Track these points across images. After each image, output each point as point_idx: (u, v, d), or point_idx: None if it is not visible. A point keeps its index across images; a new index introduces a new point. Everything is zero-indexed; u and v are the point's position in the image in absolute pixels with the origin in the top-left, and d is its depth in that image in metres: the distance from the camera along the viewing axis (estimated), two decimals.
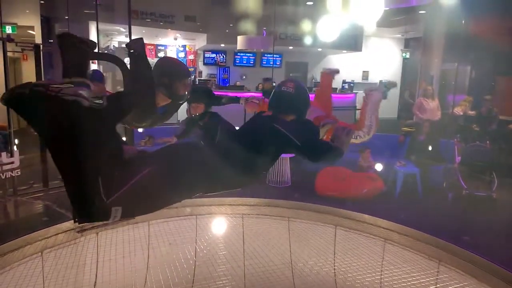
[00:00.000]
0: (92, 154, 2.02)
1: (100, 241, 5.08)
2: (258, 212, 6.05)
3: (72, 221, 5.02)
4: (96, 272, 4.93)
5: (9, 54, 6.44)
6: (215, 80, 16.56)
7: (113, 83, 13.75)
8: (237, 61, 17.15)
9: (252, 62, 17.30)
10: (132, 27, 6.54)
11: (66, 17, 9.51)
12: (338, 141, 2.65)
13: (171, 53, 16.53)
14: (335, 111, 4.00)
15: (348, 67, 17.96)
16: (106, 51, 13.01)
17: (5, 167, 5.82)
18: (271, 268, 5.49)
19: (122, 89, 2.99)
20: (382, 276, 5.07)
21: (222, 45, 15.61)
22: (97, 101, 2.03)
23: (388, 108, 17.79)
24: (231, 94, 12.60)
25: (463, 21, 9.24)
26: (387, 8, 11.47)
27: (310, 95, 2.93)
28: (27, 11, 11.04)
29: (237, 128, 2.87)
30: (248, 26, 13.09)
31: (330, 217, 5.84)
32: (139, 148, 2.44)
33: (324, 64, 18.25)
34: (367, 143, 7.55)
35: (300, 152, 2.55)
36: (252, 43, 13.01)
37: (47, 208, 5.93)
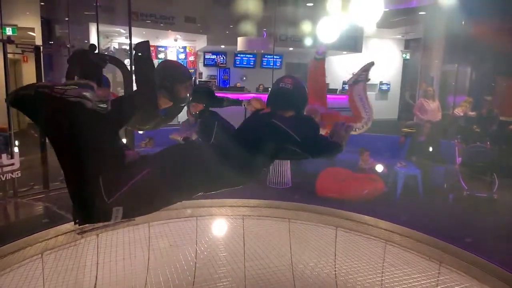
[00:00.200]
0: (93, 154, 2.03)
1: (100, 242, 5.07)
2: (259, 214, 6.04)
3: (73, 222, 4.97)
4: (96, 273, 4.93)
5: (9, 55, 6.44)
6: (215, 81, 16.56)
7: (113, 84, 13.76)
8: (237, 62, 17.15)
9: (252, 63, 17.30)
10: (132, 28, 6.55)
11: (67, 19, 9.51)
12: (337, 137, 2.63)
13: (171, 54, 16.54)
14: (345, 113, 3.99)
15: (348, 68, 17.96)
16: (106, 53, 13.01)
17: (6, 169, 5.82)
18: (272, 269, 5.48)
19: (123, 92, 3.01)
20: (383, 278, 5.06)
21: (222, 46, 15.61)
22: (101, 105, 2.04)
23: (389, 109, 17.85)
24: (231, 95, 12.63)
25: (463, 22, 9.25)
26: (387, 9, 11.48)
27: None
28: (28, 13, 11.04)
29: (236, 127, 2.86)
30: (248, 27, 13.10)
31: (331, 218, 5.83)
32: (141, 152, 2.44)
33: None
34: (366, 145, 7.60)
35: (300, 148, 2.53)
36: (252, 44, 13.02)
37: (47, 210, 5.92)
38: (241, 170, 2.52)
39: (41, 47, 7.22)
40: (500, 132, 9.08)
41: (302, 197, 6.65)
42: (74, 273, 4.72)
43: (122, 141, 2.43)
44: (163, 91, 2.79)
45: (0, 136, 6.68)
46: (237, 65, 17.20)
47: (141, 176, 2.16)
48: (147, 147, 8.02)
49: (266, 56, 16.94)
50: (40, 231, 4.91)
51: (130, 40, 6.64)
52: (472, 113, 9.63)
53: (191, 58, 16.92)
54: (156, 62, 15.89)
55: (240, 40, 12.90)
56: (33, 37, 10.97)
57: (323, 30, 7.90)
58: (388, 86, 18.90)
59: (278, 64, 17.11)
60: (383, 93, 18.94)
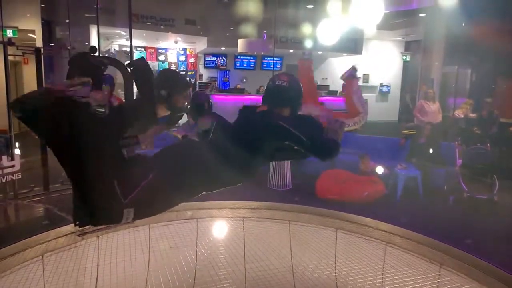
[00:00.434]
0: (107, 157, 2.03)
1: (101, 244, 5.07)
2: (259, 215, 6.04)
3: (73, 224, 4.99)
4: (97, 275, 4.93)
5: (10, 57, 6.45)
6: (215, 83, 16.57)
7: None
8: (238, 64, 17.17)
9: (252, 65, 17.32)
10: (133, 30, 6.56)
11: (67, 21, 9.53)
12: (334, 134, 2.66)
13: (172, 56, 16.56)
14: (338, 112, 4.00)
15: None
16: (107, 55, 13.02)
17: (6, 171, 5.83)
18: (272, 271, 5.47)
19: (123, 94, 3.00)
20: (383, 280, 5.05)
21: (223, 48, 15.64)
22: (99, 109, 2.03)
23: (389, 111, 17.86)
24: (231, 97, 12.62)
25: (463, 24, 9.25)
26: (387, 11, 11.48)
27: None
28: (28, 15, 11.05)
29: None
30: (248, 29, 13.11)
31: (331, 220, 5.82)
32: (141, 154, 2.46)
33: (324, 66, 18.27)
34: (366, 147, 7.61)
35: (309, 149, 2.54)
36: (252, 46, 13.04)
37: (47, 212, 5.92)
38: (241, 169, 2.55)
39: (42, 49, 7.25)
40: (500, 134, 9.09)
41: (302, 199, 6.65)
42: (74, 275, 4.72)
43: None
44: (161, 100, 2.81)
45: (1, 137, 6.69)
46: (237, 67, 17.22)
47: (149, 177, 2.17)
48: (147, 149, 8.02)
49: (266, 58, 16.95)
50: (41, 233, 4.91)
51: (131, 42, 6.66)
52: (472, 115, 9.64)
53: (192, 60, 16.93)
54: (156, 63, 15.89)
55: (240, 42, 12.91)
56: (34, 39, 10.98)
57: (323, 32, 7.92)
58: (388, 88, 18.91)
59: (278, 66, 17.13)
60: (383, 95, 18.95)
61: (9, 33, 9.53)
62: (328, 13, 7.82)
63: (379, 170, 7.38)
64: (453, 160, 7.56)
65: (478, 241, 5.18)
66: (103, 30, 8.69)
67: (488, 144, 7.66)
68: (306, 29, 13.44)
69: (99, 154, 2.02)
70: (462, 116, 9.60)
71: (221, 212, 6.08)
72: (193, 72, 16.76)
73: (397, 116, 18.17)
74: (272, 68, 15.53)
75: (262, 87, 15.13)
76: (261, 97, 2.85)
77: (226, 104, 12.25)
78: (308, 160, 2.97)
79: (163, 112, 2.89)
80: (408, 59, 17.92)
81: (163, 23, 13.71)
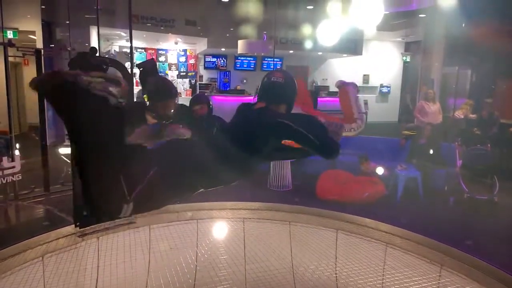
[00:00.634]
0: (115, 151, 2.02)
1: (101, 245, 5.07)
2: (259, 216, 6.04)
3: (73, 225, 5.01)
4: (97, 276, 4.93)
5: (10, 59, 6.45)
6: (215, 84, 16.57)
7: None
8: (238, 65, 17.17)
9: (252, 66, 17.32)
10: (133, 31, 6.56)
11: (67, 22, 9.54)
12: (333, 135, 2.69)
13: (172, 57, 16.57)
14: (336, 115, 3.99)
15: (348, 71, 17.99)
16: (107, 56, 13.03)
17: (6, 172, 5.83)
18: (272, 272, 5.47)
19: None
20: (384, 281, 5.05)
21: (223, 49, 15.64)
22: (121, 101, 2.02)
23: (389, 111, 17.87)
24: (232, 98, 12.62)
25: (463, 25, 9.26)
26: (387, 12, 11.48)
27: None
28: (28, 16, 11.06)
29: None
30: (248, 30, 13.12)
31: (331, 221, 5.83)
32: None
33: (325, 67, 18.28)
34: (367, 147, 7.61)
35: (316, 148, 2.52)
36: (252, 47, 13.04)
37: (48, 213, 5.93)
38: (239, 167, 2.57)
39: (42, 50, 7.25)
40: (500, 135, 9.09)
41: (302, 199, 6.65)
42: (74, 276, 4.72)
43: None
44: (149, 107, 2.81)
45: (1, 139, 6.69)
46: (237, 68, 17.22)
47: (149, 174, 2.18)
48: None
49: (266, 58, 16.95)
50: (41, 234, 4.91)
51: (131, 43, 6.66)
52: (472, 116, 9.64)
53: (192, 61, 16.94)
54: (156, 65, 15.91)
55: (240, 43, 12.92)
56: (34, 40, 10.99)
57: (323, 33, 7.93)
58: (389, 88, 18.91)
59: (278, 67, 17.12)
60: (384, 95, 18.95)
61: (10, 34, 9.54)
62: (328, 14, 7.82)
63: (379, 171, 7.39)
64: (453, 161, 7.56)
65: (478, 242, 5.18)
66: (103, 31, 8.70)
67: (489, 145, 7.66)
68: (306, 30, 13.47)
69: (111, 147, 2.02)
70: (462, 116, 9.60)
71: (221, 213, 6.08)
72: (193, 73, 16.77)
73: (397, 117, 18.17)
74: (272, 69, 15.53)
75: None
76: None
77: (226, 105, 12.25)
78: (308, 160, 2.99)
79: (151, 119, 2.87)
80: (408, 59, 17.92)
81: (163, 24, 13.71)
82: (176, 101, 2.96)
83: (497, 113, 9.30)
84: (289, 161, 7.30)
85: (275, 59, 16.40)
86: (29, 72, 10.29)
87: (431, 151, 8.01)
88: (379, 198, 6.86)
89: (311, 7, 14.01)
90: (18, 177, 6.01)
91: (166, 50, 16.55)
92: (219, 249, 5.74)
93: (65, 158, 7.12)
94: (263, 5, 12.81)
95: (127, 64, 8.21)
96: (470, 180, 7.29)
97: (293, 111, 2.84)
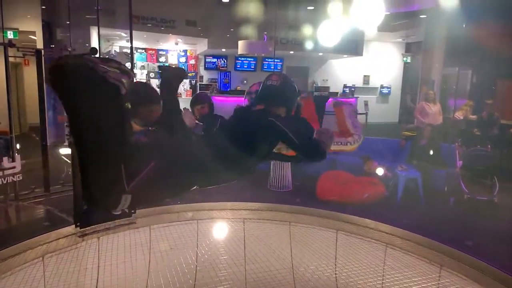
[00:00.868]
0: (119, 139, 2.03)
1: (101, 245, 5.08)
2: (259, 217, 6.04)
3: (74, 225, 5.02)
4: (97, 276, 4.93)
5: (10, 59, 6.45)
6: (216, 85, 16.58)
7: None
8: (238, 66, 17.17)
9: (253, 67, 17.33)
10: (133, 32, 6.56)
11: (68, 22, 9.53)
12: (322, 144, 2.71)
13: (172, 58, 16.58)
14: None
15: (349, 72, 18.01)
16: (107, 56, 13.03)
17: (7, 172, 5.83)
18: (272, 272, 5.48)
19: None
20: (384, 281, 5.06)
21: (223, 49, 15.65)
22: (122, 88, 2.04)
23: (389, 112, 17.88)
24: (232, 98, 12.63)
25: (464, 26, 9.26)
26: (388, 13, 11.49)
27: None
28: (29, 16, 11.06)
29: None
30: (249, 30, 13.12)
31: (332, 221, 5.83)
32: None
33: (325, 68, 18.28)
34: (367, 148, 7.61)
35: (295, 147, 2.60)
36: (253, 47, 13.05)
37: (48, 213, 5.93)
38: (237, 166, 2.58)
39: (42, 51, 7.24)
40: (500, 136, 9.09)
41: (302, 200, 6.65)
42: (75, 276, 4.72)
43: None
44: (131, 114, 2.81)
45: (1, 139, 6.70)
46: (237, 69, 17.23)
47: (149, 167, 2.19)
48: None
49: (266, 59, 16.95)
50: (41, 234, 4.92)
51: (131, 43, 6.66)
52: (472, 117, 9.64)
53: (192, 62, 16.95)
54: (157, 65, 15.91)
55: (240, 43, 12.93)
56: (34, 41, 10.99)
57: (324, 34, 7.94)
58: (389, 89, 18.92)
59: (279, 68, 17.13)
60: (384, 96, 18.96)
61: (10, 35, 9.55)
62: (329, 15, 7.83)
63: (379, 171, 7.39)
64: (453, 161, 7.56)
65: (478, 243, 5.18)
66: (103, 31, 8.71)
67: (489, 146, 7.66)
68: (307, 30, 13.48)
69: (117, 134, 2.02)
70: (462, 117, 9.61)
71: (221, 213, 6.08)
72: (194, 73, 16.78)
73: (398, 118, 18.18)
74: (272, 70, 15.56)
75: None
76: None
77: (227, 106, 12.22)
78: None
79: (136, 126, 2.87)
80: (408, 60, 17.94)
81: (163, 25, 13.72)
82: (159, 106, 2.95)
83: (497, 114, 9.30)
84: (285, 161, 7.30)
85: (275, 60, 16.42)
86: (30, 73, 10.30)
87: (431, 152, 8.01)
88: (379, 199, 6.86)
89: (311, 7, 14.02)
90: (18, 178, 6.01)
91: (166, 51, 16.57)
92: (219, 249, 5.74)
93: (65, 158, 7.12)
94: (264, 5, 12.80)
95: (128, 65, 8.20)
96: (470, 180, 7.29)
97: None
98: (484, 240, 5.38)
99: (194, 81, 16.66)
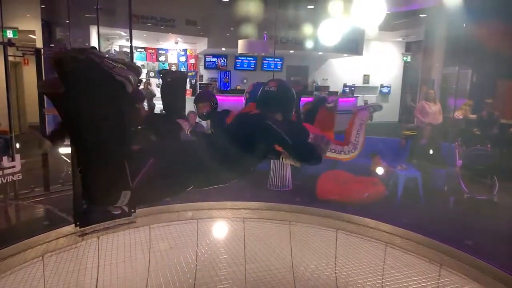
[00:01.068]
0: (123, 135, 2.03)
1: (101, 245, 5.08)
2: (259, 216, 6.05)
3: (73, 225, 5.02)
4: (97, 276, 4.93)
5: (10, 58, 6.44)
6: (216, 84, 16.58)
7: None
8: (238, 65, 17.16)
9: (253, 66, 17.31)
10: (133, 31, 6.55)
11: (67, 21, 9.53)
12: (318, 149, 2.72)
13: (172, 57, 16.57)
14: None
15: (349, 71, 18.00)
16: (107, 55, 13.02)
17: (7, 171, 5.83)
18: (272, 272, 5.48)
19: None
20: (384, 280, 5.06)
21: (223, 49, 15.63)
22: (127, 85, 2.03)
23: (389, 112, 17.85)
24: (232, 98, 12.62)
25: (464, 25, 9.25)
26: (388, 12, 11.48)
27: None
28: (28, 16, 11.06)
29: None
30: (249, 30, 13.11)
31: (332, 221, 5.83)
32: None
33: (325, 67, 18.27)
34: (367, 148, 7.59)
35: (289, 150, 2.64)
36: (252, 47, 13.03)
37: (48, 212, 5.92)
38: (235, 166, 2.63)
39: (42, 50, 7.24)
40: (500, 135, 9.09)
41: (302, 199, 6.65)
42: (75, 275, 4.72)
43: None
44: None
45: (1, 138, 6.69)
46: (237, 68, 17.21)
47: (150, 163, 2.20)
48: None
49: (266, 58, 16.94)
50: (41, 234, 4.92)
51: (131, 42, 6.65)
52: (472, 116, 9.63)
53: (192, 61, 16.94)
54: (156, 64, 15.84)
55: (240, 42, 12.91)
56: (34, 40, 10.99)
57: (324, 33, 7.94)
58: (389, 89, 18.91)
59: (279, 67, 17.12)
60: (384, 95, 18.94)
61: (9, 34, 9.55)
62: (329, 14, 7.83)
63: (379, 170, 7.39)
64: (453, 161, 7.56)
65: (478, 242, 5.18)
66: (103, 30, 8.71)
67: (489, 145, 7.66)
68: (307, 29, 13.47)
69: (121, 130, 2.02)
70: (462, 117, 9.60)
71: (221, 213, 6.08)
72: (194, 73, 16.76)
73: (398, 117, 18.17)
74: (272, 69, 15.53)
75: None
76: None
77: (227, 105, 12.18)
78: None
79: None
80: (408, 60, 17.92)
81: (163, 24, 13.71)
82: (143, 106, 2.95)
83: (497, 113, 9.30)
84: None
85: (275, 59, 16.39)
86: (29, 72, 10.30)
87: (431, 151, 8.00)
88: (379, 198, 6.86)
89: (311, 6, 14.01)
90: (18, 177, 6.01)
91: (166, 50, 16.56)
92: (219, 248, 5.74)
93: (65, 158, 7.11)
94: (264, 4, 12.79)
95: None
96: (470, 180, 7.28)
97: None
98: (484, 240, 5.38)
99: (194, 81, 16.64)
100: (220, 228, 5.95)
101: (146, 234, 5.49)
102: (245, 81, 17.07)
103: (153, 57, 16.29)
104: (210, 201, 6.11)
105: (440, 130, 8.90)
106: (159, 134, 3.56)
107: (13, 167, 5.91)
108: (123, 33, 13.73)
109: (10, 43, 6.31)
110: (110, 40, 15.25)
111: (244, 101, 3.99)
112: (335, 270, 5.41)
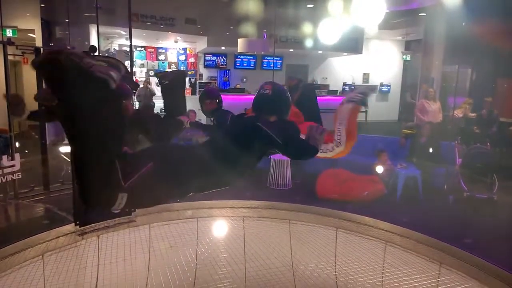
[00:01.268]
0: (111, 134, 2.03)
1: (101, 244, 5.08)
2: (259, 215, 6.05)
3: (73, 224, 5.03)
4: (97, 275, 4.93)
5: (9, 57, 6.44)
6: (215, 83, 16.57)
7: None
8: (238, 64, 17.14)
9: (252, 65, 17.30)
10: (133, 30, 6.55)
11: (67, 20, 9.53)
12: (313, 140, 2.77)
13: (172, 56, 16.55)
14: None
15: (348, 70, 17.99)
16: (106, 54, 13.02)
17: (6, 170, 5.83)
18: (272, 270, 5.48)
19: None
20: (383, 278, 5.06)
21: (223, 47, 15.61)
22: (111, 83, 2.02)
23: (389, 110, 17.87)
24: (231, 96, 12.62)
25: (463, 23, 9.24)
26: (388, 11, 11.47)
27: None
28: (28, 15, 11.04)
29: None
30: (248, 28, 13.09)
31: (331, 219, 5.83)
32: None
33: (324, 66, 18.26)
34: (367, 147, 7.60)
35: (281, 149, 2.65)
36: (252, 45, 13.01)
37: (48, 211, 5.92)
38: (231, 169, 2.63)
39: (42, 49, 7.23)
40: (500, 133, 9.09)
41: (302, 198, 6.66)
42: (74, 274, 4.72)
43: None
44: None
45: (1, 137, 6.69)
46: (237, 67, 17.19)
47: (145, 168, 2.20)
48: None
49: (266, 57, 16.93)
50: (41, 233, 4.92)
51: (131, 41, 6.65)
52: (472, 115, 9.64)
53: (192, 60, 16.93)
54: (156, 63, 15.81)
55: (240, 41, 12.90)
56: (33, 39, 10.97)
57: (324, 31, 7.93)
58: (389, 87, 18.91)
59: (278, 66, 17.11)
60: (384, 94, 18.94)
61: (9, 33, 9.53)
62: (329, 13, 7.82)
63: (379, 169, 7.39)
64: (453, 159, 7.56)
65: (477, 240, 5.19)
66: (102, 29, 8.70)
67: (488, 144, 7.66)
68: (307, 28, 13.45)
69: (108, 129, 2.02)
70: (461, 115, 9.61)
71: (221, 212, 6.08)
72: (193, 71, 16.75)
73: (397, 116, 18.17)
74: (272, 68, 15.51)
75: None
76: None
77: (226, 104, 12.19)
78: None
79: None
80: (408, 58, 17.90)
81: (163, 23, 13.69)
82: (131, 102, 2.95)
83: (496, 111, 9.30)
84: (288, 159, 7.30)
85: (275, 58, 16.38)
86: (29, 71, 10.27)
87: (431, 150, 8.01)
88: (379, 196, 6.87)
89: (311, 5, 14.00)
90: (17, 176, 6.00)
91: (166, 49, 16.54)
92: (219, 247, 5.75)
93: (64, 157, 7.12)
94: (263, 3, 12.78)
95: (127, 63, 8.20)
96: (470, 178, 7.28)
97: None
98: (484, 238, 5.38)
99: (193, 79, 16.63)
100: (220, 227, 5.95)
101: (146, 233, 5.49)
102: (244, 80, 17.06)
103: (153, 56, 16.27)
104: (210, 200, 6.11)
105: (440, 129, 8.90)
106: (149, 134, 3.55)
107: (13, 166, 5.91)
108: (122, 32, 13.70)
109: (9, 42, 6.31)
110: (110, 39, 15.23)
111: None
112: (335, 268, 5.42)
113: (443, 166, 7.71)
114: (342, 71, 18.17)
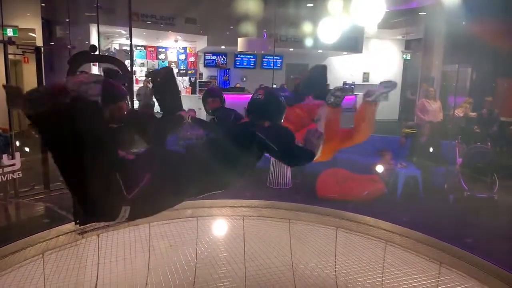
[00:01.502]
0: (112, 148, 2.04)
1: (101, 243, 5.08)
2: (259, 214, 6.05)
3: (73, 223, 5.03)
4: (97, 273, 4.93)
5: (10, 56, 6.44)
6: (215, 82, 16.57)
7: None
8: (238, 63, 17.14)
9: (252, 64, 17.30)
10: (133, 29, 6.54)
11: (67, 20, 9.52)
12: (310, 145, 2.78)
13: (172, 55, 16.56)
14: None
15: (348, 69, 17.98)
16: (106, 53, 13.02)
17: (6, 169, 5.83)
18: (272, 270, 5.48)
19: None
20: (383, 278, 5.06)
21: (223, 47, 15.61)
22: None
23: (389, 109, 17.84)
24: (231, 95, 12.61)
25: (463, 23, 9.24)
26: (388, 10, 11.46)
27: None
28: (28, 14, 11.04)
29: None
30: (248, 28, 13.09)
31: (331, 219, 5.83)
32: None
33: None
34: (367, 146, 7.60)
35: (277, 156, 2.70)
36: (252, 45, 13.01)
37: (48, 210, 5.93)
38: (230, 170, 2.66)
39: (42, 48, 7.23)
40: (500, 133, 9.09)
41: (302, 197, 6.66)
42: (75, 273, 4.73)
43: None
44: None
45: (1, 136, 6.69)
46: (237, 66, 17.19)
47: (147, 176, 2.21)
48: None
49: (266, 56, 16.93)
50: (41, 231, 4.93)
51: (131, 41, 6.65)
52: (472, 114, 9.64)
53: (192, 59, 16.93)
54: (156, 62, 15.79)
55: (240, 40, 12.89)
56: (34, 38, 10.97)
57: (324, 31, 7.92)
58: None
59: (278, 65, 17.12)
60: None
61: (9, 32, 9.52)
62: (329, 12, 7.81)
63: (379, 168, 7.39)
64: (453, 159, 7.56)
65: (478, 240, 5.19)
66: (103, 29, 8.69)
67: (488, 143, 7.66)
68: (306, 27, 13.44)
69: (103, 145, 2.03)
70: (462, 115, 9.61)
71: (221, 211, 6.08)
72: (193, 71, 16.76)
73: (397, 115, 18.15)
74: (272, 67, 15.52)
75: (262, 85, 15.11)
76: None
77: (226, 103, 12.17)
78: None
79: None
80: (408, 57, 17.88)
81: (163, 22, 13.69)
82: (127, 103, 2.94)
83: (497, 111, 9.30)
84: None
85: (275, 57, 16.38)
86: (29, 70, 10.27)
87: (431, 149, 8.00)
88: (379, 196, 6.86)
89: (311, 4, 13.99)
90: (18, 175, 6.01)
91: (166, 48, 16.54)
92: (219, 246, 5.75)
93: None
94: (263, 2, 12.77)
95: (127, 62, 8.20)
96: (470, 178, 7.28)
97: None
98: (484, 238, 5.38)
99: (193, 78, 16.64)
100: (219, 226, 5.95)
101: (146, 232, 5.49)
102: (244, 79, 17.06)
103: (153, 55, 16.28)
104: (210, 199, 6.10)
105: (440, 128, 8.89)
106: (146, 135, 3.54)
107: (13, 165, 5.92)
108: (123, 31, 13.70)
109: (10, 41, 6.31)
110: (110, 39, 15.23)
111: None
112: (335, 268, 5.42)
113: (444, 165, 7.71)
114: (342, 70, 18.15)
